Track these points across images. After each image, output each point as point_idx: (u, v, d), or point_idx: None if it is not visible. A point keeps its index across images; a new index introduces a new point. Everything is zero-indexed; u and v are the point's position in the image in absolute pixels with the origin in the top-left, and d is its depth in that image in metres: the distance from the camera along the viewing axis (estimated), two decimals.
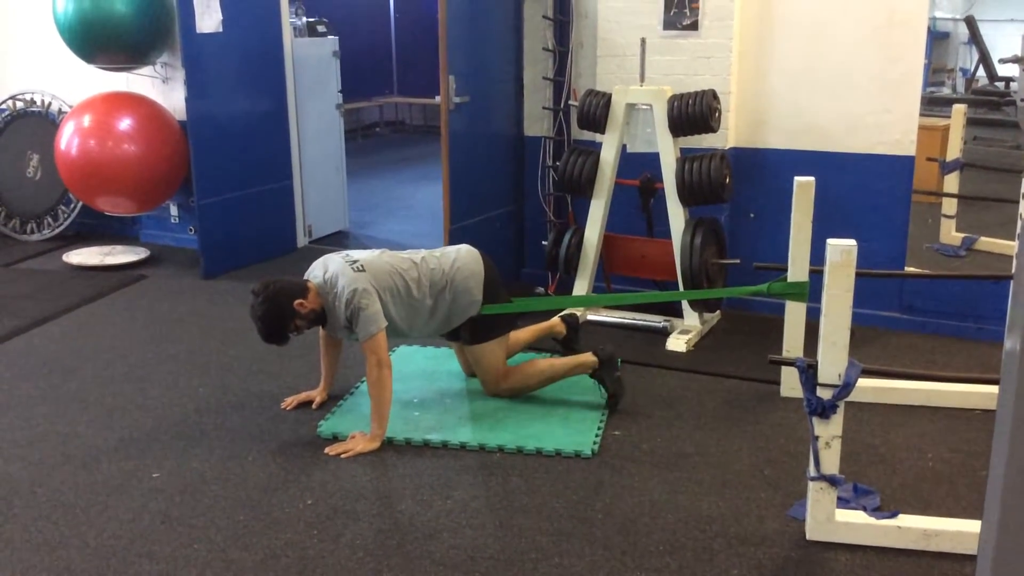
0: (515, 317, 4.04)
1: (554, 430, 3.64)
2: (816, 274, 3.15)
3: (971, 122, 7.00)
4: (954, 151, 5.89)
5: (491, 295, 3.82)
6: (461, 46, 4.84)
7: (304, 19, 7.54)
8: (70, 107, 6.28)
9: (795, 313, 3.91)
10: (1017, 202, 3.71)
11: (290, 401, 3.89)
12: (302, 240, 6.60)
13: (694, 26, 4.76)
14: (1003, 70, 9.46)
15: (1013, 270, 3.77)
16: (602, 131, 4.76)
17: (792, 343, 3.94)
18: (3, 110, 6.69)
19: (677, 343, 4.53)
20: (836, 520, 2.89)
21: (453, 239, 4.65)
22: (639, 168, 4.83)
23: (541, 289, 5.37)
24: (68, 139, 5.88)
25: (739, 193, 4.87)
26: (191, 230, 6.38)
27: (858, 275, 2.77)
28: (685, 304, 4.73)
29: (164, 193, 6.13)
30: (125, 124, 5.88)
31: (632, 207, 4.95)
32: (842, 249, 2.73)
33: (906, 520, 2.88)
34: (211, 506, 3.11)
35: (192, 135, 5.63)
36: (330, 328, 3.73)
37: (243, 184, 5.98)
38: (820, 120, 4.74)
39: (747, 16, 4.78)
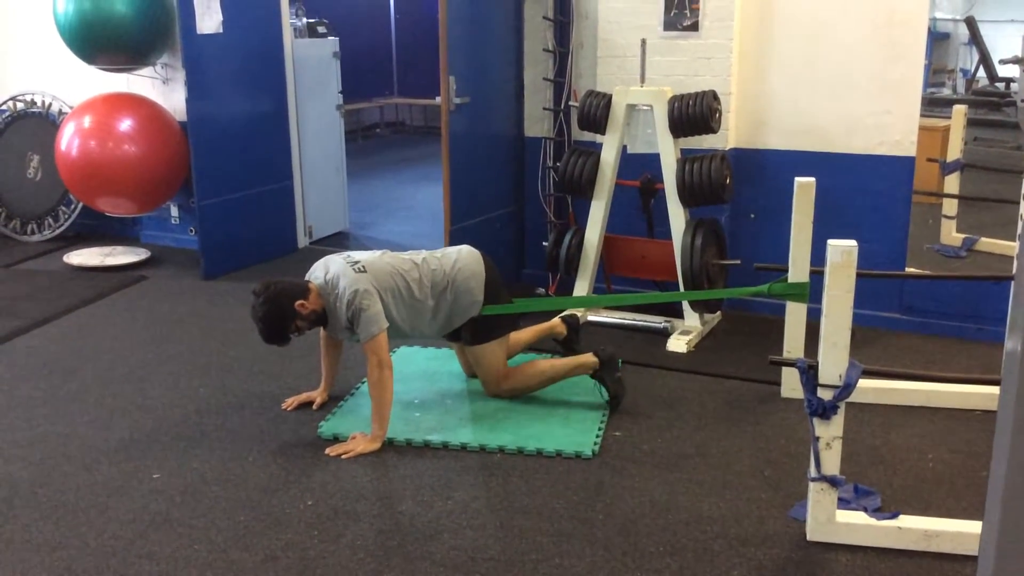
0: (516, 318, 4.04)
1: (554, 431, 3.64)
2: (817, 275, 3.15)
3: (971, 123, 7.00)
4: (954, 152, 5.89)
5: (492, 296, 3.83)
6: (461, 47, 4.84)
7: (304, 20, 7.55)
8: (70, 108, 6.28)
9: (796, 314, 3.91)
10: (1017, 203, 3.70)
11: (291, 402, 3.89)
12: (302, 241, 6.60)
13: (694, 27, 4.77)
14: (1003, 71, 9.47)
15: (1014, 271, 3.78)
16: (602, 132, 4.76)
17: (793, 344, 3.94)
18: (3, 111, 6.69)
19: (678, 344, 4.53)
20: (837, 521, 2.89)
21: (454, 240, 4.65)
22: (639, 169, 4.83)
23: (542, 290, 5.37)
24: (68, 140, 5.88)
25: (739, 194, 4.87)
26: (191, 231, 6.38)
27: (859, 276, 2.78)
28: (686, 305, 4.73)
29: (164, 194, 6.13)
30: (125, 125, 5.88)
31: (632, 208, 4.96)
32: (843, 250, 2.73)
33: (907, 521, 2.88)
34: (211, 507, 3.11)
35: (192, 136, 5.63)
36: (331, 329, 3.73)
37: (243, 185, 5.98)
38: (820, 121, 4.74)
39: (747, 17, 4.78)
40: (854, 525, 2.89)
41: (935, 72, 10.32)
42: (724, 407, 3.90)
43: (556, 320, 4.37)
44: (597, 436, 3.59)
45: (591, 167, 4.77)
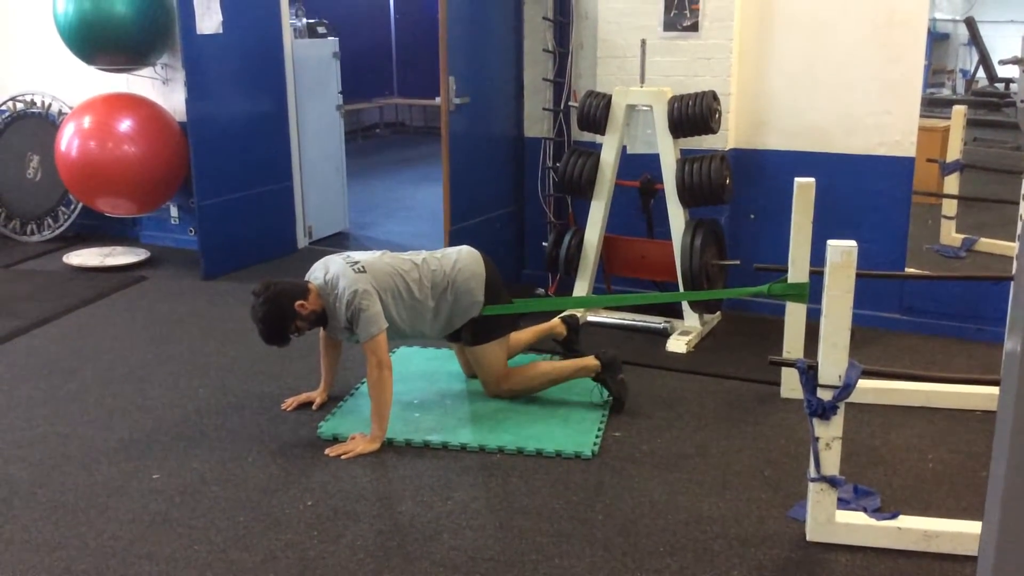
0: (516, 318, 4.04)
1: (554, 431, 3.64)
2: (816, 275, 3.16)
3: (971, 123, 7.01)
4: (954, 152, 5.89)
5: (492, 296, 3.83)
6: (461, 47, 4.84)
7: (304, 20, 7.55)
8: (70, 108, 6.28)
9: (795, 314, 3.91)
10: (1017, 203, 3.71)
11: (290, 402, 3.89)
12: (302, 241, 6.60)
13: (694, 27, 4.77)
14: (1003, 71, 9.46)
15: (1013, 271, 3.78)
16: (602, 132, 4.76)
17: (792, 344, 3.94)
18: (3, 111, 6.69)
19: (677, 344, 4.53)
20: (836, 521, 2.89)
21: (453, 240, 4.65)
22: (639, 169, 4.83)
23: (541, 290, 5.37)
24: (68, 140, 5.88)
25: (739, 194, 4.87)
26: (191, 231, 6.38)
27: (858, 276, 2.78)
28: (685, 305, 4.73)
29: (164, 194, 6.13)
30: (125, 125, 5.88)
31: (632, 208, 4.96)
32: (842, 250, 2.73)
33: (906, 521, 2.88)
34: (211, 507, 3.11)
35: (192, 136, 5.63)
36: (331, 329, 3.73)
37: (243, 185, 5.98)
38: (820, 121, 4.74)
39: (747, 17, 4.78)
40: (854, 525, 2.89)
41: (935, 73, 10.33)
42: (724, 407, 3.90)
43: (556, 320, 4.37)
44: (597, 436, 3.59)
45: (591, 167, 4.77)
